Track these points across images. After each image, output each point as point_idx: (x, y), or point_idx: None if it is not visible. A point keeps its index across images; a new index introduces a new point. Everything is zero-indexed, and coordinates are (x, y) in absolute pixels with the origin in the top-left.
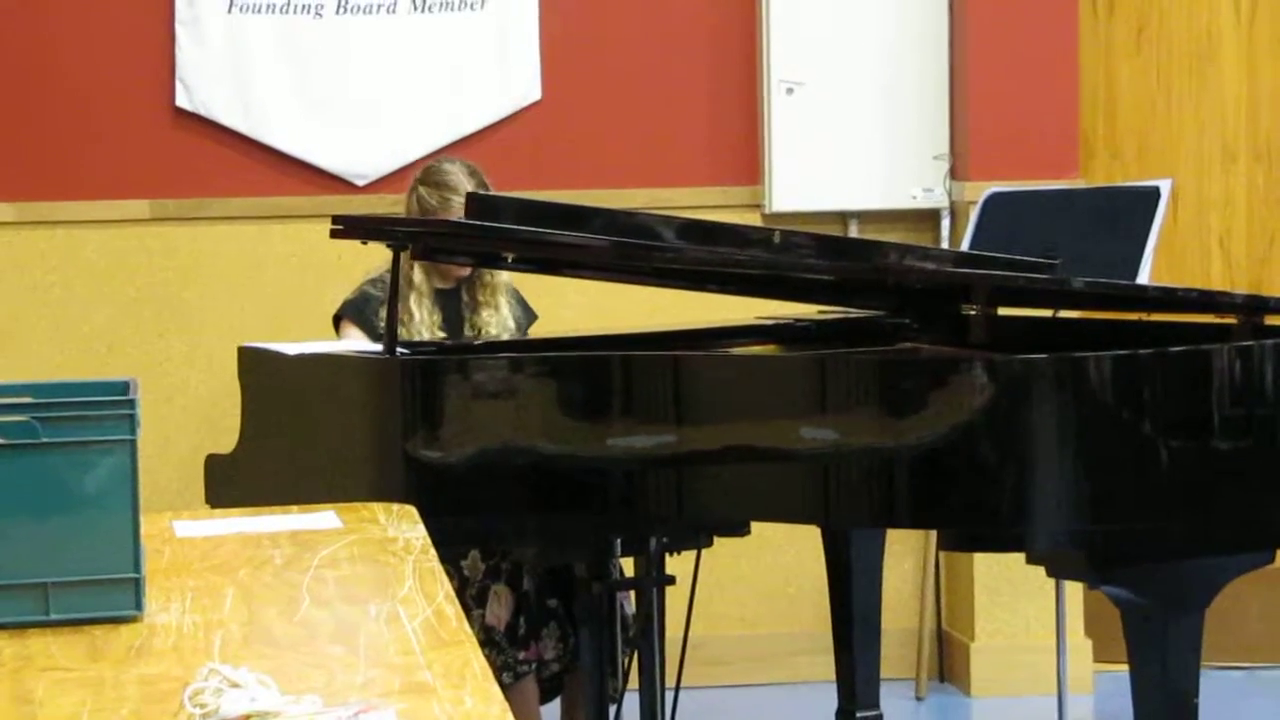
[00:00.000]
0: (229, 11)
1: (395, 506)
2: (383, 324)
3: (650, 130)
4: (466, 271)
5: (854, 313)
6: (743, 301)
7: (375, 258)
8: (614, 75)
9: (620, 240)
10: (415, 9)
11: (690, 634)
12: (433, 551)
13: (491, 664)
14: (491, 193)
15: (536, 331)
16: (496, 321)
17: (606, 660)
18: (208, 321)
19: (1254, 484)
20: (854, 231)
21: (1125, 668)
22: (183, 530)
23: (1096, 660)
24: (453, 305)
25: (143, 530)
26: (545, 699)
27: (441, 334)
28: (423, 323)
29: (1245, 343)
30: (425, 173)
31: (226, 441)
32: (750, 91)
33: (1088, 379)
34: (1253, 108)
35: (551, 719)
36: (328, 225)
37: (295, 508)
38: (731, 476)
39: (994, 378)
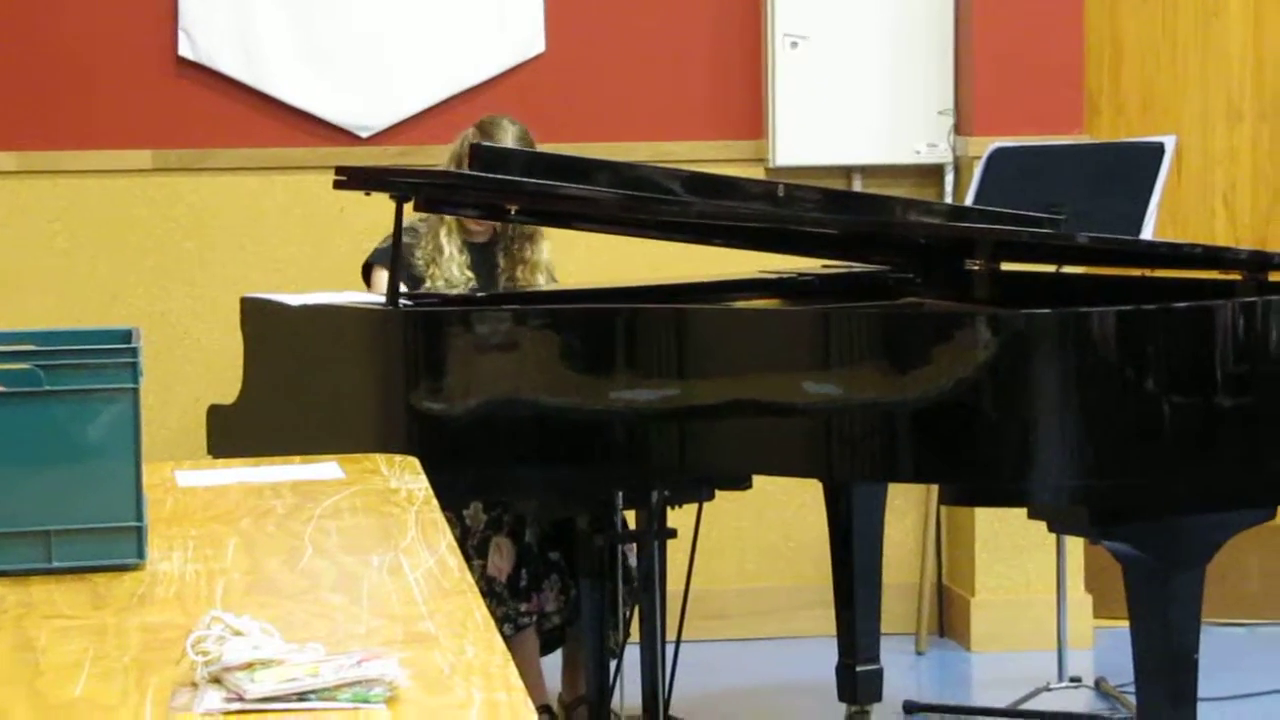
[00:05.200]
0: None
1: (398, 457)
2: (417, 267)
3: (654, 83)
4: (483, 227)
5: (858, 267)
6: (746, 255)
7: (376, 213)
8: (618, 28)
9: (625, 193)
10: None
11: (691, 587)
12: (435, 502)
13: (492, 615)
14: (497, 145)
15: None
16: None
17: (608, 613)
18: (210, 272)
19: (1256, 440)
20: (858, 186)
21: (1125, 623)
22: (185, 480)
23: (1096, 615)
24: (486, 263)
25: (145, 479)
26: (546, 651)
27: (469, 274)
28: (452, 259)
29: (1249, 299)
30: (483, 119)
31: (229, 392)
32: (754, 45)
33: (1091, 334)
34: (1258, 64)
35: (552, 671)
36: (330, 176)
37: (298, 458)
38: (734, 430)
39: (997, 333)
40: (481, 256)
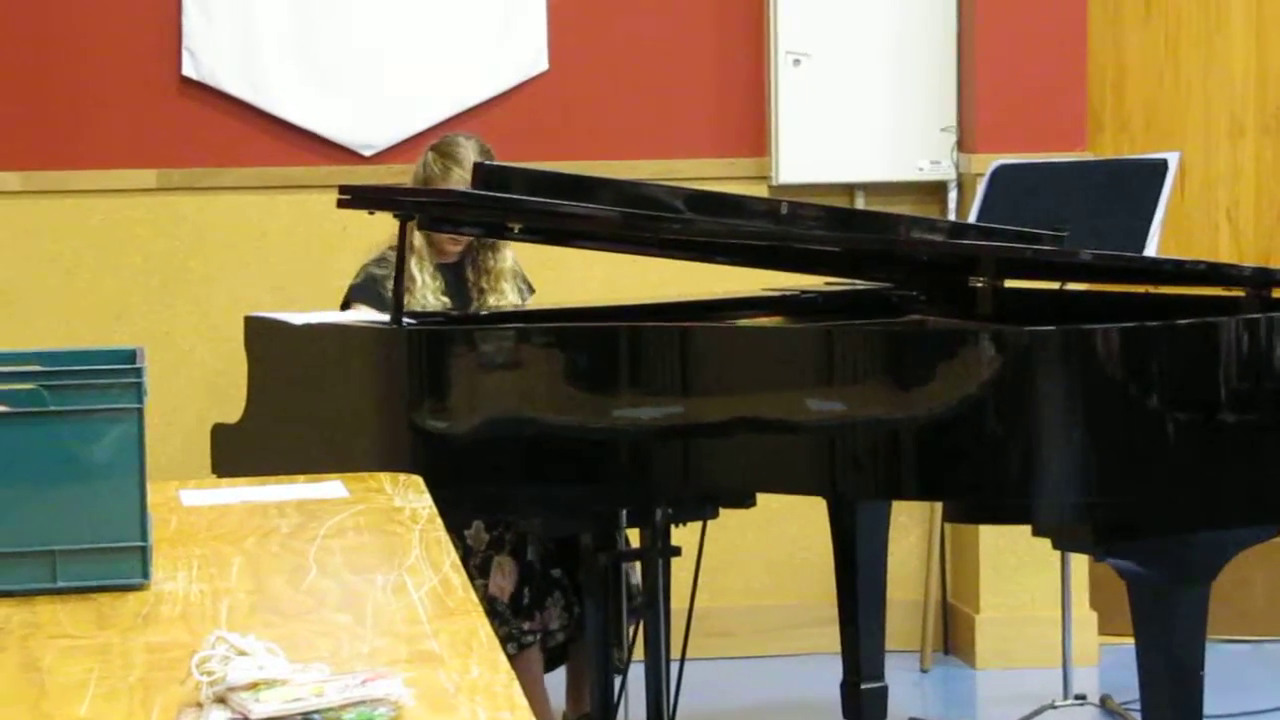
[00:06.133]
0: None
1: (402, 476)
2: (388, 299)
3: (657, 101)
4: (459, 246)
5: (861, 285)
6: (749, 273)
7: (379, 231)
8: (621, 46)
9: (628, 211)
10: None
11: (695, 605)
12: (439, 521)
13: (495, 635)
14: (499, 163)
15: (543, 302)
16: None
17: (612, 631)
18: (214, 291)
19: (1260, 457)
20: (861, 203)
21: (1130, 640)
22: (189, 499)
23: (1102, 632)
24: (458, 280)
25: (150, 499)
26: (550, 667)
27: (445, 299)
28: (425, 286)
29: (1253, 316)
30: (439, 141)
31: (233, 411)
32: (757, 63)
33: (1095, 351)
34: (1261, 80)
35: (556, 688)
36: (334, 195)
37: (302, 477)
38: (738, 448)
39: (1001, 350)
40: (454, 275)
